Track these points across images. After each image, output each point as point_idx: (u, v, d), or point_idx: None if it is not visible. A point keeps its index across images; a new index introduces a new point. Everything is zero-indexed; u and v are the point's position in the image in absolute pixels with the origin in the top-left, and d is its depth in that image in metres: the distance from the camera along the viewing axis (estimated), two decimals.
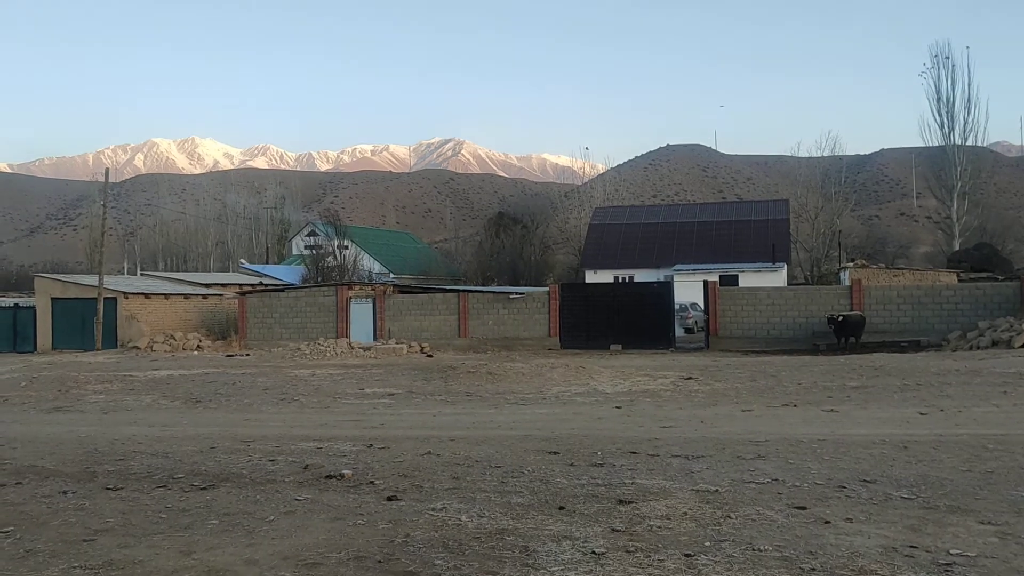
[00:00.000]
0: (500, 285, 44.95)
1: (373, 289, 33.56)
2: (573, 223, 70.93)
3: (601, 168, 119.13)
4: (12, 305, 35.54)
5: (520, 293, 31.23)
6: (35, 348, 32.94)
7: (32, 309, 34.33)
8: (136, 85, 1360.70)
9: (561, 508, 6.82)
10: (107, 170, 40.82)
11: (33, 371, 22.79)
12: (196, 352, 29.97)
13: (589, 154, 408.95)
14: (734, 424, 11.86)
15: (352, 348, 28.04)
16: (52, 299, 33.91)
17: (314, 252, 52.00)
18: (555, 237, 70.26)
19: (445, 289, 34.01)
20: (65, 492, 7.88)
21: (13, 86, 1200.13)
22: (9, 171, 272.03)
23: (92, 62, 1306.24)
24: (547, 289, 31.48)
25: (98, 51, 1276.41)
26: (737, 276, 39.93)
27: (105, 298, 32.67)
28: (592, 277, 44.54)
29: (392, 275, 53.99)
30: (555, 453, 9.44)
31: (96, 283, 33.05)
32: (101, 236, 37.15)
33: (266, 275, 47.27)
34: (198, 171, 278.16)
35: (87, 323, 32.55)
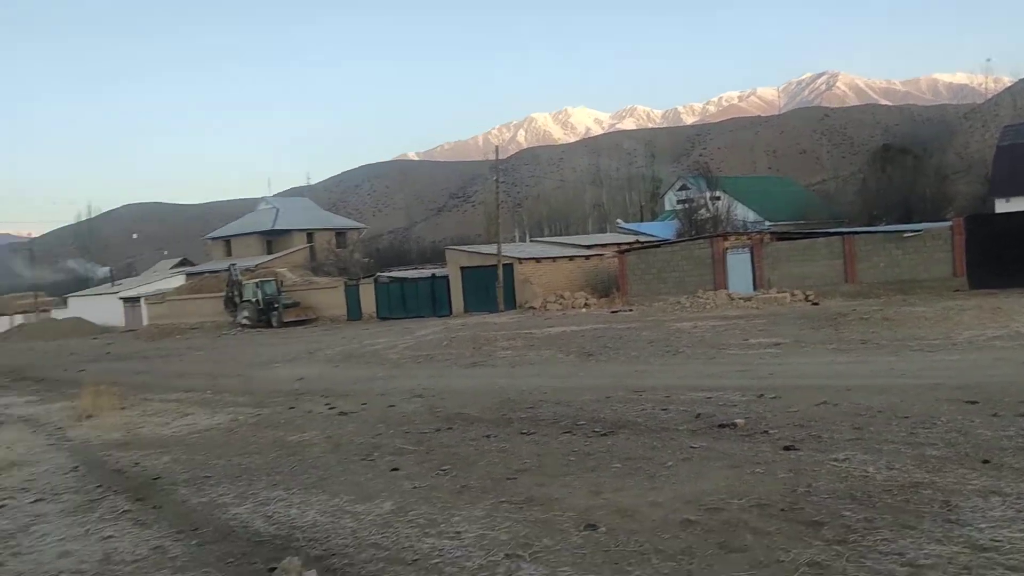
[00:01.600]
0: (889, 224, 41.09)
1: (749, 238, 32.70)
2: (975, 147, 62.22)
3: (1007, 81, 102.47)
4: (430, 275, 40.79)
5: (916, 231, 28.27)
6: (450, 311, 37.52)
7: (445, 278, 39.12)
8: (514, 65, 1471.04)
9: (986, 462, 6.15)
10: (496, 148, 44.87)
11: (451, 332, 25.95)
12: (584, 310, 31.83)
13: (991, 67, 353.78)
14: None
15: (731, 299, 27.70)
16: (460, 268, 38.32)
17: (686, 206, 52.04)
18: (953, 165, 62.35)
19: (827, 232, 31.96)
20: (488, 436, 8.93)
21: (417, 83, 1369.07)
22: (416, 159, 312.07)
23: (478, 50, 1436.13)
24: (948, 224, 28.07)
25: (486, 40, 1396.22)
26: None
27: (503, 264, 36.08)
28: (1003, 207, 38.65)
29: (768, 222, 52.06)
30: (973, 403, 8.50)
31: (495, 252, 36.61)
32: (496, 209, 41.07)
33: (641, 232, 48.47)
34: (572, 140, 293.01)
35: (490, 288, 36.23)
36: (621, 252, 34.98)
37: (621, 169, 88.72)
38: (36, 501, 7.40)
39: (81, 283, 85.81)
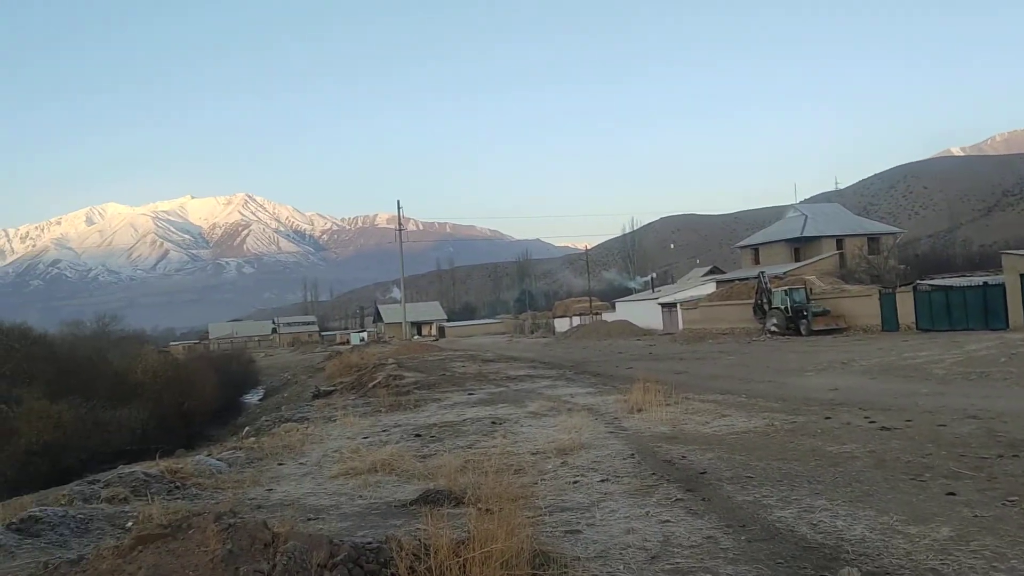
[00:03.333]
0: None
1: None
2: None
3: None
4: (980, 284, 36.14)
5: None
6: (1007, 324, 32.76)
7: (1000, 286, 34.27)
8: None
9: None
10: None
11: (1009, 347, 22.74)
12: None
13: None
14: None
15: None
16: (1021, 275, 33.22)
17: None
18: None
19: None
20: None
21: (959, 71, 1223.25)
22: (961, 154, 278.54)
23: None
24: None
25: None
26: None
27: None
28: None
29: None
30: None
31: None
32: None
33: None
34: None
35: None
36: None
37: None
38: (603, 481, 8.48)
39: (622, 290, 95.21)
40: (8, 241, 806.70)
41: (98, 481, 9.52)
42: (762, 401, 15.00)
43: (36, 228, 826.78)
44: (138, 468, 10.11)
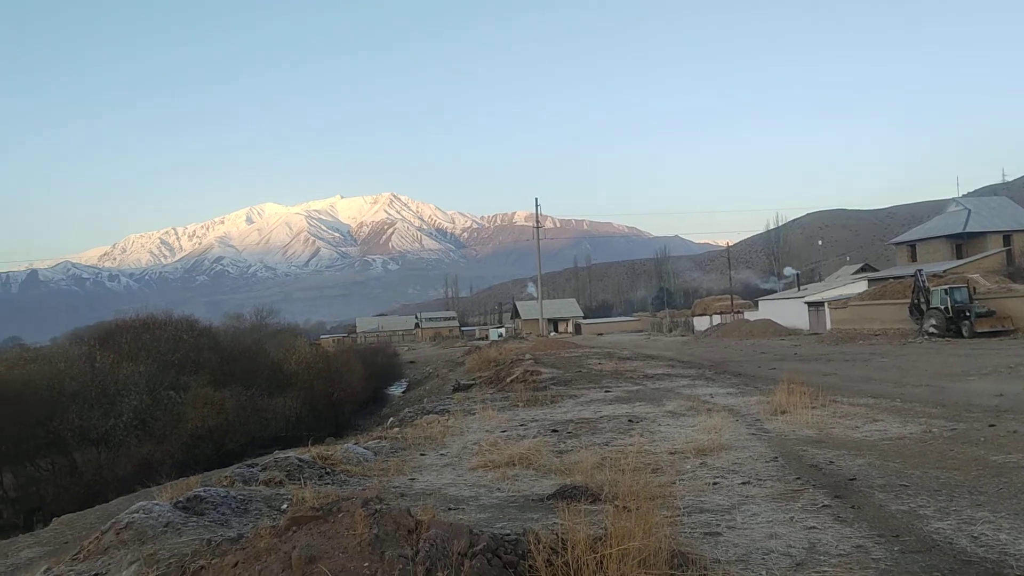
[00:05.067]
0: None
1: None
2: None
3: None
4: None
5: None
6: None
7: None
8: None
9: None
10: None
11: None
12: None
13: None
14: None
15: None
16: None
17: None
18: None
19: None
20: None
21: None
22: None
23: None
24: None
25: None
26: None
27: None
28: None
29: None
30: None
31: None
32: None
33: None
34: None
35: None
36: None
37: None
38: (744, 483, 8.26)
39: (756, 290, 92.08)
40: (177, 239, 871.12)
41: (256, 465, 10.14)
42: (918, 406, 14.14)
43: (202, 227, 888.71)
44: (292, 454, 10.70)
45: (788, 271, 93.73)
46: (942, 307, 39.37)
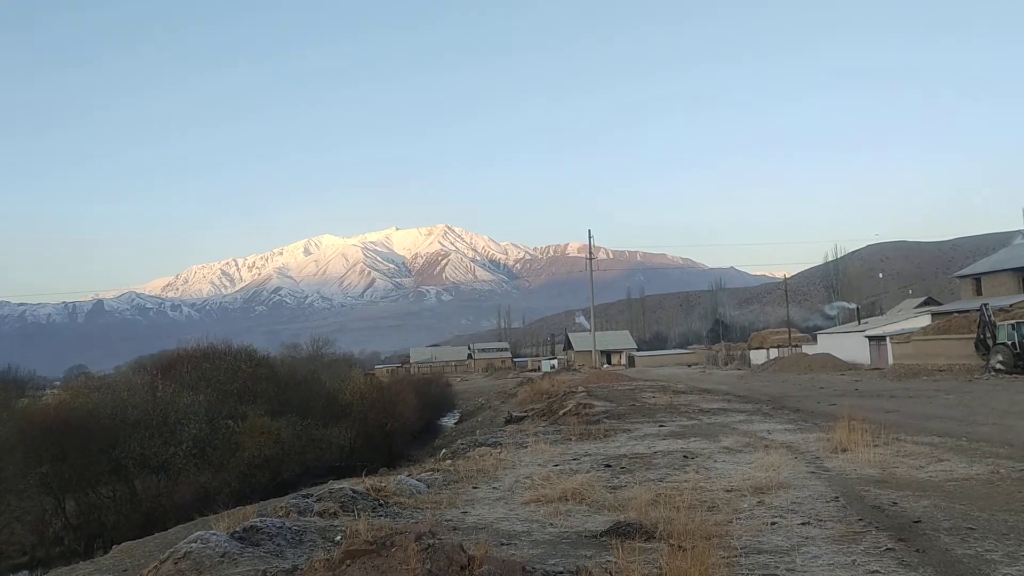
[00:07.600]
0: None
1: None
2: None
3: None
4: None
5: None
6: None
7: None
8: None
9: None
10: None
11: None
12: None
13: None
14: None
15: None
16: None
17: None
18: None
19: None
20: None
21: None
22: None
23: None
24: None
25: None
26: None
27: None
28: None
29: None
30: None
31: None
32: None
33: None
34: None
35: None
36: None
37: None
38: (804, 524, 8.06)
39: (823, 321, 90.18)
40: (238, 270, 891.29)
41: (311, 495, 10.26)
42: (986, 445, 13.66)
43: (261, 258, 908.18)
44: (346, 485, 10.80)
45: (834, 307, 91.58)
46: (1009, 343, 38.03)
